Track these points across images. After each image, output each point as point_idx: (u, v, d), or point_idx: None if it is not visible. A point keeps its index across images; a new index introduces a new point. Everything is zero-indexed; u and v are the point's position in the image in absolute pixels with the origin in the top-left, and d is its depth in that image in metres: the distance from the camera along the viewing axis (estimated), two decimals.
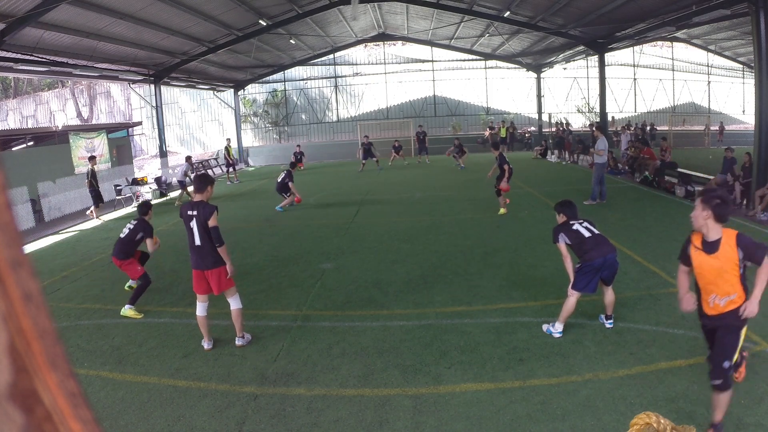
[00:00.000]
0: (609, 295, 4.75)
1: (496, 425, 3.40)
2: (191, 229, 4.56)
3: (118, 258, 5.97)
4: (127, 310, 5.69)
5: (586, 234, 4.65)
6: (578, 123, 26.77)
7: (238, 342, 4.75)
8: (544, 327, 4.77)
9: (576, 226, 4.72)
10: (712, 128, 24.86)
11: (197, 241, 4.53)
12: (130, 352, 4.83)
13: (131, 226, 6.05)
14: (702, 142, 24.56)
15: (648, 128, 23.88)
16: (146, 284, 5.91)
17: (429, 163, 20.03)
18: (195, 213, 4.54)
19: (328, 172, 19.90)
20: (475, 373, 4.08)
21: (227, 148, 18.99)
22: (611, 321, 4.83)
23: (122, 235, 6.03)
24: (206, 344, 4.81)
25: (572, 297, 4.57)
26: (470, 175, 16.44)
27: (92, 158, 12.65)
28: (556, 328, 4.66)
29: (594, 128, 12.16)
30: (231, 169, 18.75)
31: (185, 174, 14.43)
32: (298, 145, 22.45)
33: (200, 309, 4.72)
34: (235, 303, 4.69)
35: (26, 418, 0.30)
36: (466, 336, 4.74)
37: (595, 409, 3.48)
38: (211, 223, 4.50)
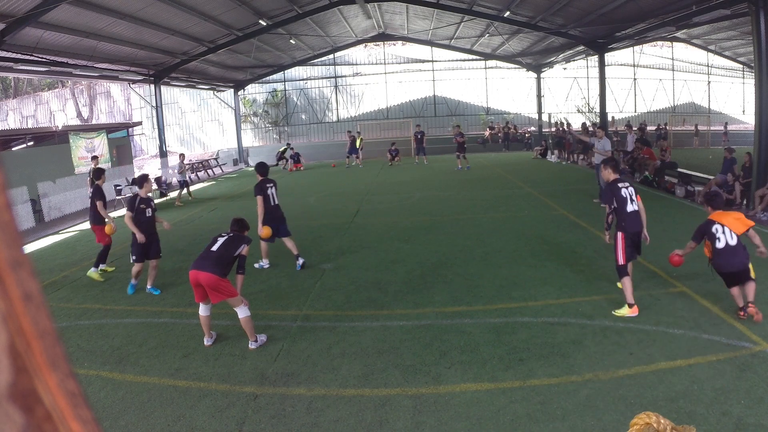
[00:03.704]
0: (289, 241, 7.07)
1: (496, 425, 3.40)
2: (216, 241, 4.84)
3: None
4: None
5: (272, 203, 6.89)
6: (578, 123, 26.77)
7: (252, 345, 4.73)
8: (257, 265, 7.09)
9: (269, 191, 6.81)
10: (711, 128, 24.81)
11: (214, 248, 4.74)
12: (130, 352, 4.83)
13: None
14: (691, 142, 24.38)
15: (655, 128, 23.81)
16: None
17: (427, 164, 20.02)
18: (231, 235, 4.95)
19: (328, 172, 19.91)
20: (475, 373, 4.08)
21: (285, 150, 22.59)
22: (301, 260, 7.06)
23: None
24: (207, 340, 4.85)
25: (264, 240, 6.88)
26: (469, 175, 16.44)
27: (95, 158, 12.80)
28: (263, 263, 7.12)
29: (597, 129, 11.97)
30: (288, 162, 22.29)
31: (182, 171, 14.54)
32: (291, 145, 22.64)
33: (202, 309, 4.78)
34: (241, 312, 4.67)
35: (26, 418, 0.30)
36: (466, 336, 4.74)
37: (595, 409, 3.48)
38: (245, 252, 4.87)
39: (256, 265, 7.16)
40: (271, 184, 6.91)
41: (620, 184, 5.26)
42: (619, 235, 5.10)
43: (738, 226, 4.87)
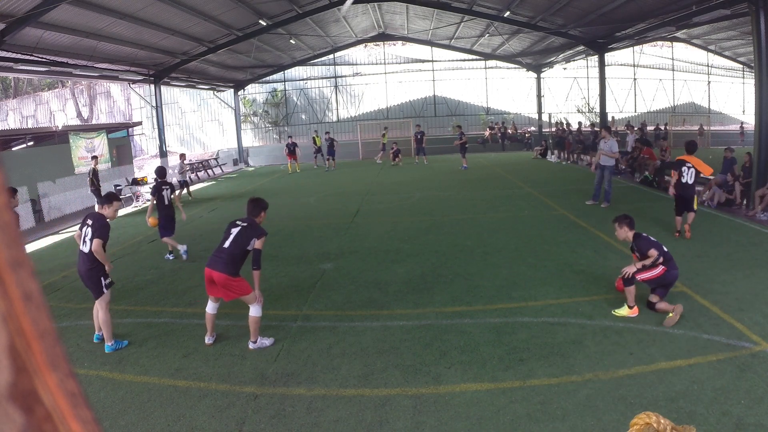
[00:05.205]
0: (170, 240, 7.82)
1: (496, 425, 3.40)
2: (229, 234, 4.67)
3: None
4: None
5: (165, 202, 7.71)
6: (578, 123, 26.80)
7: (251, 345, 4.71)
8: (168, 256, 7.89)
9: (164, 192, 7.71)
10: (711, 128, 24.78)
11: (226, 244, 4.62)
12: (130, 352, 4.83)
13: None
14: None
15: (654, 128, 23.86)
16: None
17: (427, 164, 20.01)
18: (244, 224, 4.70)
19: (328, 172, 19.90)
20: (475, 373, 4.08)
21: (314, 138, 21.89)
22: (183, 247, 7.87)
23: None
24: (208, 339, 4.85)
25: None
26: (469, 175, 16.43)
27: (95, 158, 12.83)
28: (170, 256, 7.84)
29: (602, 129, 11.68)
30: (319, 156, 21.61)
31: (182, 171, 14.57)
32: (290, 136, 22.53)
33: (210, 307, 4.79)
34: (253, 310, 4.63)
35: (26, 418, 0.30)
36: (466, 336, 4.74)
37: (595, 409, 3.48)
38: (258, 245, 4.62)
39: (168, 257, 7.95)
40: (167, 187, 7.79)
41: (644, 234, 5.28)
42: (661, 269, 4.98)
43: (705, 169, 7.63)
